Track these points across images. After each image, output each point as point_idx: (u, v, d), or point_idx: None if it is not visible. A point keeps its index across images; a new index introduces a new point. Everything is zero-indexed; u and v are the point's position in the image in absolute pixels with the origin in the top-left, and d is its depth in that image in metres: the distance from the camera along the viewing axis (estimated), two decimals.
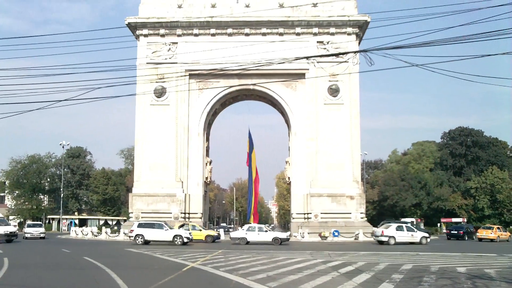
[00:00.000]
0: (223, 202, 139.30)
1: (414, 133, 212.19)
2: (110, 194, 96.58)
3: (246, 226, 44.49)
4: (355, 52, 36.33)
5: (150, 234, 39.65)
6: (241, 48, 49.64)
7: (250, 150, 58.84)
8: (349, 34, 53.36)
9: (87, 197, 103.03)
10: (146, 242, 39.51)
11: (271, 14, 52.09)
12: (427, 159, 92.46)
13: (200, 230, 46.70)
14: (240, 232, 43.07)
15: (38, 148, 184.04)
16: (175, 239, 38.84)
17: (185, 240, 38.95)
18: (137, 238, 39.52)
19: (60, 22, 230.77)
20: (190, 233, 40.80)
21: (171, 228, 40.81)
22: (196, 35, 53.88)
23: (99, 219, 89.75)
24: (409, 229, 43.66)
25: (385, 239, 41.47)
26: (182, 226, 45.76)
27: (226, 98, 57.61)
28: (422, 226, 73.22)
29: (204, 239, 44.84)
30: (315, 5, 53.16)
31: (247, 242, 40.70)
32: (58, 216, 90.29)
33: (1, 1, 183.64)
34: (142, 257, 26.34)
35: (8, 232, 43.59)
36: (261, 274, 17.60)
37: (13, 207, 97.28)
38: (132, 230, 40.74)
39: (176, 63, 53.53)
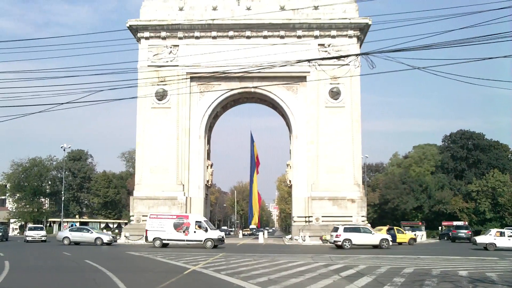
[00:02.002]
0: (224, 205, 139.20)
1: (415, 136, 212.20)
2: (111, 197, 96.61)
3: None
4: (356, 55, 36.34)
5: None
6: (242, 51, 49.65)
7: (252, 153, 58.94)
8: (350, 37, 53.38)
9: (88, 200, 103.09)
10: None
11: (272, 16, 52.17)
12: (428, 162, 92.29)
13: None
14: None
15: (39, 151, 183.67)
16: None
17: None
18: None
19: (61, 24, 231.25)
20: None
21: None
22: (197, 37, 53.92)
23: (100, 222, 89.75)
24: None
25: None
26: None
27: (227, 101, 57.64)
28: (423, 229, 73.16)
29: None
30: (316, 7, 53.22)
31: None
32: (59, 219, 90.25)
33: (3, 4, 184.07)
34: (143, 260, 26.31)
35: None
36: (263, 277, 17.57)
37: (14, 210, 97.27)
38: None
39: (178, 66, 53.59)
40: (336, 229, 41.37)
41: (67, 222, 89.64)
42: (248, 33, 53.48)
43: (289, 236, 48.87)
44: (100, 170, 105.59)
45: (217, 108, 57.16)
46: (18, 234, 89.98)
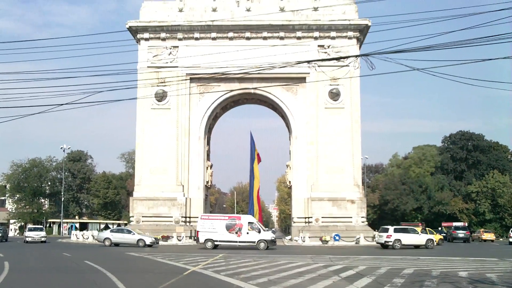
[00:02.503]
0: (224, 206, 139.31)
1: (415, 137, 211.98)
2: (110, 198, 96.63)
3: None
4: (356, 56, 36.46)
5: None
6: (242, 52, 49.72)
7: (252, 155, 58.90)
8: (350, 38, 53.41)
9: (87, 201, 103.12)
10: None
11: (272, 18, 52.17)
12: (428, 163, 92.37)
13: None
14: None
15: (39, 151, 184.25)
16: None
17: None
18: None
19: (61, 25, 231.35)
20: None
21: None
22: (197, 39, 53.92)
23: (99, 223, 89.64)
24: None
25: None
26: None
27: (227, 102, 57.64)
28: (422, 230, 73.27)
29: None
30: (315, 9, 53.24)
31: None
32: (58, 220, 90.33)
33: (2, 5, 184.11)
34: (143, 261, 26.33)
35: None
36: (262, 278, 17.58)
37: (14, 211, 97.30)
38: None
39: (177, 67, 53.62)
40: (386, 230, 42.65)
41: (67, 222, 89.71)
42: (247, 34, 53.50)
43: (289, 237, 48.96)
44: (100, 171, 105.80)
45: (217, 109, 57.18)
46: (18, 235, 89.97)
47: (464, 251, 39.98)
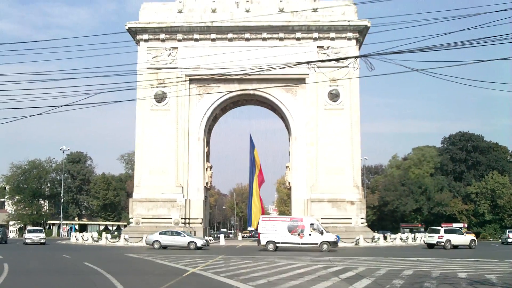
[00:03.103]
0: (224, 207, 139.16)
1: (414, 138, 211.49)
2: (110, 199, 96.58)
3: None
4: (355, 57, 36.36)
5: None
6: (241, 53, 49.73)
7: (251, 156, 58.86)
8: (349, 39, 53.42)
9: (87, 202, 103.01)
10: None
11: (271, 19, 52.13)
12: (428, 164, 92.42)
13: None
14: None
15: (38, 153, 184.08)
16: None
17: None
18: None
19: (61, 26, 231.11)
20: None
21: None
22: (196, 40, 53.92)
23: (99, 225, 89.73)
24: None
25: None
26: None
27: (226, 103, 57.61)
28: (423, 231, 73.26)
29: None
30: (315, 10, 53.24)
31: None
32: (58, 222, 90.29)
33: (2, 6, 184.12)
34: (143, 263, 26.30)
35: None
36: (262, 279, 17.56)
37: (13, 213, 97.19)
38: None
39: (177, 68, 53.60)
40: (436, 231, 44.93)
41: (66, 224, 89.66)
42: (247, 35, 53.50)
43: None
44: (99, 172, 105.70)
45: (216, 110, 57.17)
46: (17, 237, 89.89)
47: (465, 252, 39.95)
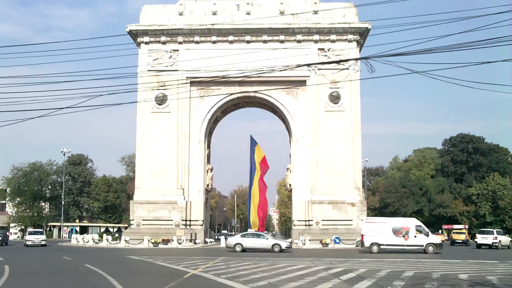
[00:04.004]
0: (224, 209, 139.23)
1: (415, 140, 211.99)
2: (111, 201, 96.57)
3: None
4: (356, 59, 36.37)
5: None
6: (242, 56, 49.65)
7: (252, 157, 58.76)
8: (350, 41, 53.46)
9: (88, 204, 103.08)
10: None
11: (272, 21, 52.20)
12: (428, 166, 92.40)
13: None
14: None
15: (39, 155, 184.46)
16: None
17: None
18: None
19: (61, 29, 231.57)
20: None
21: None
22: (197, 42, 53.98)
23: (100, 227, 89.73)
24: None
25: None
26: None
27: (227, 105, 57.65)
28: None
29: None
30: (315, 12, 53.32)
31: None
32: (59, 224, 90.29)
33: (3, 8, 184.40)
34: (143, 265, 26.29)
35: None
36: (263, 281, 17.58)
37: (14, 215, 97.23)
38: None
39: (177, 70, 53.61)
40: (489, 232, 50.28)
41: (67, 226, 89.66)
42: (248, 37, 53.56)
43: (289, 240, 48.95)
44: (100, 174, 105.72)
45: (217, 112, 57.19)
46: (18, 239, 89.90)
47: (465, 253, 39.98)
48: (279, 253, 37.72)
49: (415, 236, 38.37)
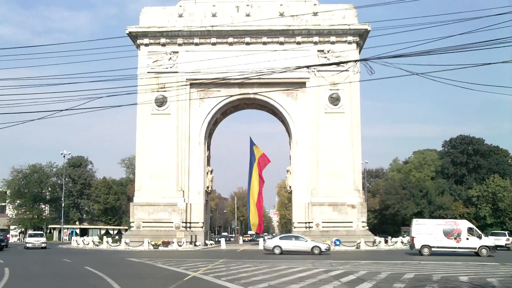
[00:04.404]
0: (224, 211, 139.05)
1: (415, 142, 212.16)
2: (111, 203, 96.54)
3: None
4: (355, 61, 36.35)
5: None
6: (241, 57, 49.65)
7: (251, 160, 58.81)
8: (349, 42, 53.49)
9: (88, 206, 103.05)
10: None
11: (272, 23, 52.26)
12: (428, 168, 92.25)
13: None
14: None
15: (39, 157, 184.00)
16: None
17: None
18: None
19: (61, 31, 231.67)
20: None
21: None
22: (197, 44, 54.00)
23: (100, 229, 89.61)
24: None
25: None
26: None
27: (227, 107, 57.67)
28: None
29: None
30: (315, 14, 53.37)
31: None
32: (59, 226, 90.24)
33: (3, 11, 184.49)
34: (144, 267, 26.26)
35: None
36: (263, 283, 17.55)
37: (14, 217, 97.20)
38: None
39: (177, 72, 53.62)
40: (502, 234, 54.08)
41: (67, 228, 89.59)
42: (247, 39, 53.58)
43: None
44: (100, 176, 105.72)
45: (217, 114, 57.17)
46: (18, 241, 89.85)
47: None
48: (318, 255, 37.24)
49: (467, 239, 37.78)
